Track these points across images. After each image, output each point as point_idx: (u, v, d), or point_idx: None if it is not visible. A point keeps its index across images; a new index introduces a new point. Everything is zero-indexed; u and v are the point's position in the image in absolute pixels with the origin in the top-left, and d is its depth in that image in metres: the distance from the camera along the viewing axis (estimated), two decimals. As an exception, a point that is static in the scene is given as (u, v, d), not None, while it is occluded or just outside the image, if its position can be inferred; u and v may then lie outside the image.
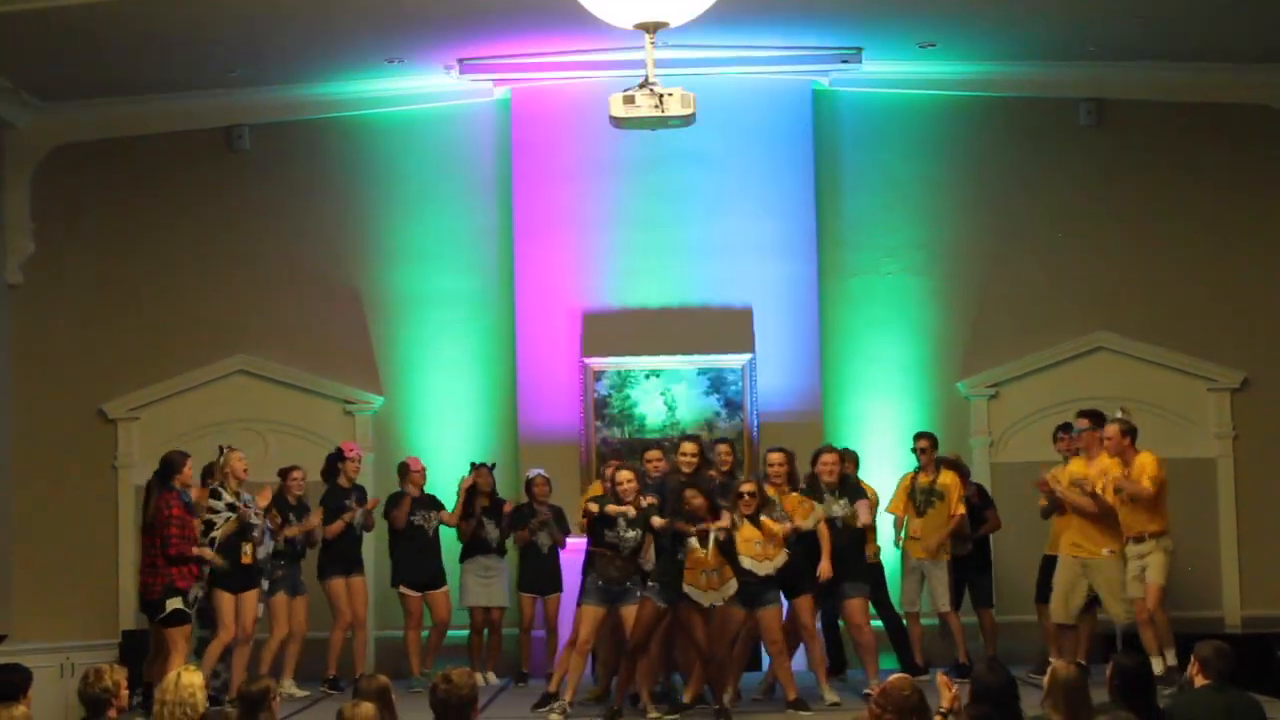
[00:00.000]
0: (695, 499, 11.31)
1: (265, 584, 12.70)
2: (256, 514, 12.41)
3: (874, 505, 12.98)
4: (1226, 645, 8.32)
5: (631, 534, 11.46)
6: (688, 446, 12.08)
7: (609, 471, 12.38)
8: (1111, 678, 8.04)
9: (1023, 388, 15.06)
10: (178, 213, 15.28)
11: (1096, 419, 12.26)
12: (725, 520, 11.34)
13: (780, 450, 12.34)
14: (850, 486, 12.55)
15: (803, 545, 11.97)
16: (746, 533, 11.50)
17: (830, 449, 12.70)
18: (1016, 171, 15.27)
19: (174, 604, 11.63)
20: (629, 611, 11.52)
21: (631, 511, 11.43)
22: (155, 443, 14.32)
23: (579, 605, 11.79)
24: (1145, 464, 11.80)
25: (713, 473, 12.15)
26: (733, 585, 11.39)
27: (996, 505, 13.83)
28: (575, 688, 11.69)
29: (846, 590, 12.22)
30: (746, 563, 11.44)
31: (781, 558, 11.57)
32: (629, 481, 11.50)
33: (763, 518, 11.58)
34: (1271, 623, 14.03)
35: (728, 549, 11.33)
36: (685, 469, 11.92)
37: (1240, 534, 14.89)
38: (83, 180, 15.29)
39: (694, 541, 11.25)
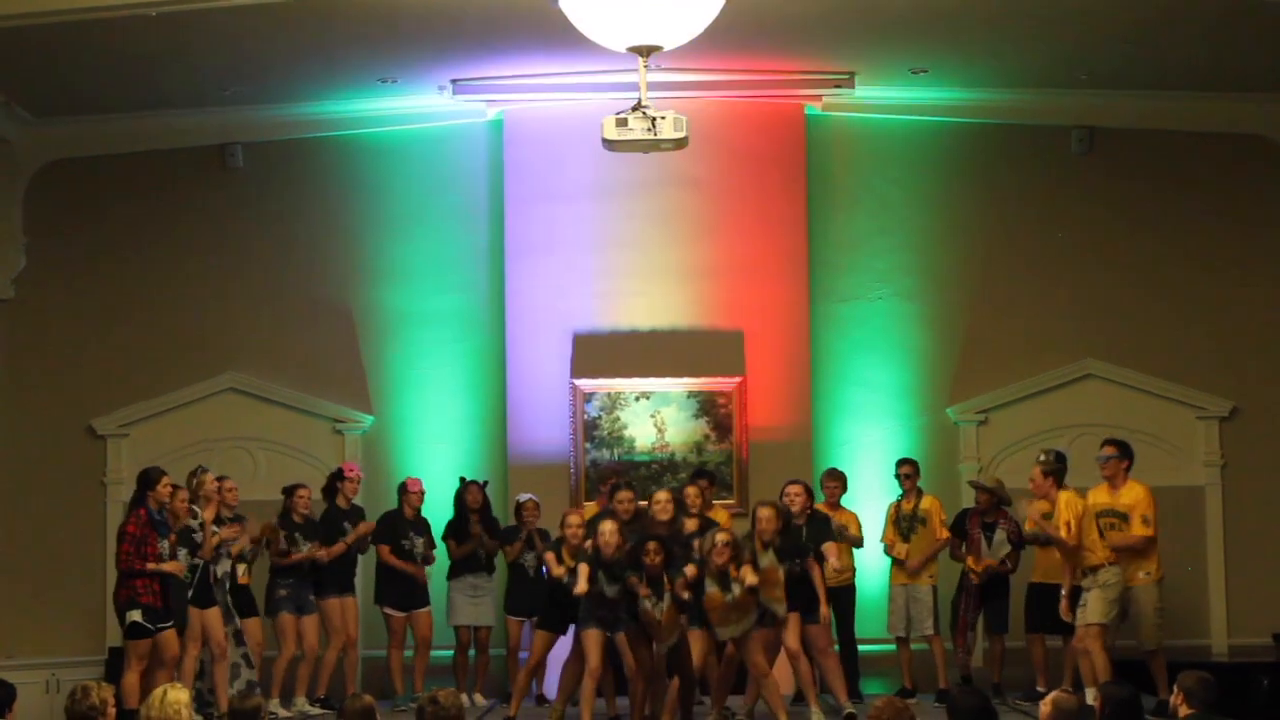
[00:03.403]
0: (653, 559, 11.31)
1: (229, 601, 12.44)
2: (199, 530, 12.16)
3: (849, 533, 13.15)
4: (1209, 675, 8.30)
5: (612, 587, 11.46)
6: (661, 495, 11.98)
7: (604, 489, 12.65)
8: (1102, 706, 8.02)
9: (1012, 414, 15.07)
10: (170, 230, 15.26)
11: (1123, 448, 12.21)
12: (687, 576, 11.27)
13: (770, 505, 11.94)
14: (806, 532, 12.13)
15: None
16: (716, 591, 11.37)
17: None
18: (1008, 198, 15.29)
19: (133, 616, 11.56)
20: (622, 639, 11.49)
21: (564, 570, 11.72)
22: (144, 460, 14.24)
23: (582, 629, 11.61)
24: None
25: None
26: (750, 619, 11.37)
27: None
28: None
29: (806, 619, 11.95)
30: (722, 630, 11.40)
31: (748, 623, 11.41)
32: (612, 534, 11.44)
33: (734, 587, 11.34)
34: (1259, 651, 14.05)
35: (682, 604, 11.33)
36: (661, 516, 11.88)
37: (1228, 562, 14.90)
38: (75, 196, 15.27)
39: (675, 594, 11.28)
